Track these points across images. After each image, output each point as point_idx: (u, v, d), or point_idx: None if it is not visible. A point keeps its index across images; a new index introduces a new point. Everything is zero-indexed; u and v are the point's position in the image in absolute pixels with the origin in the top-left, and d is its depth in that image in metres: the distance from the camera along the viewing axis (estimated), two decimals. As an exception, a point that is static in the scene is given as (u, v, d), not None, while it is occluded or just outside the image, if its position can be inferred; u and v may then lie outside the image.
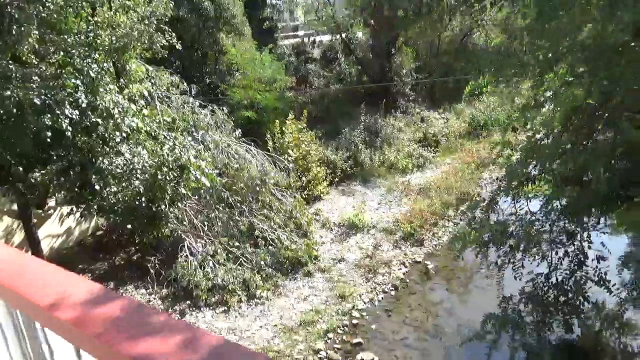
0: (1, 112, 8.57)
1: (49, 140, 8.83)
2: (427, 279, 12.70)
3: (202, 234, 12.77)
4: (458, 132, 23.18)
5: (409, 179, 18.22)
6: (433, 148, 21.16)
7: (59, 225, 13.27)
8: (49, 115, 8.84)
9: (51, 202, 12.84)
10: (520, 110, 9.75)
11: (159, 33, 11.61)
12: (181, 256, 11.84)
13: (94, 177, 10.05)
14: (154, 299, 11.50)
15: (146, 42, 10.77)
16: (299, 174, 16.11)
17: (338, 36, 25.28)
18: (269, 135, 16.92)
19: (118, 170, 10.19)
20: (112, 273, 12.48)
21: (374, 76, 24.81)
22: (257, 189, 13.83)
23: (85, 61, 9.48)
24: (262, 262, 12.40)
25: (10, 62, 8.90)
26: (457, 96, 27.72)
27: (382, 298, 11.89)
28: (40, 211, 12.53)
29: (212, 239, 12.70)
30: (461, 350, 10.19)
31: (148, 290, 11.71)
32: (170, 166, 10.32)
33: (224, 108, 15.68)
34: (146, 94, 11.09)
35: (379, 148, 20.17)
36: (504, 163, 12.01)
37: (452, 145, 21.84)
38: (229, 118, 15.64)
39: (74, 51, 9.51)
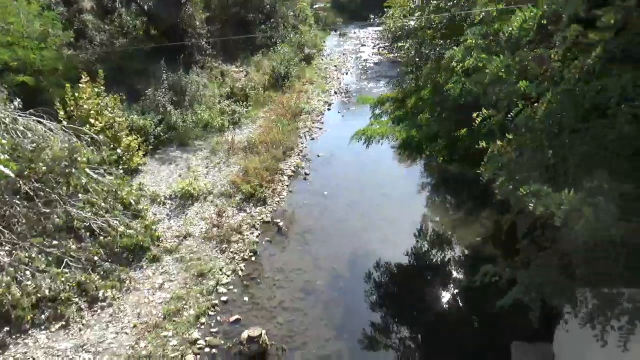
0: None
1: None
2: (282, 238, 12.39)
3: (1, 239, 9.82)
4: (262, 85, 22.84)
5: (229, 137, 17.26)
6: (244, 102, 20.41)
7: None
8: None
9: None
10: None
11: None
12: (-19, 273, 8.91)
13: None
14: (-50, 337, 8.47)
15: None
16: (109, 146, 13.63)
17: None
18: (58, 104, 13.73)
19: None
20: None
21: (164, 28, 22.34)
22: (67, 170, 11.18)
23: None
24: (96, 258, 10.27)
25: None
26: (252, 48, 27.32)
27: (245, 267, 11.16)
28: None
29: (19, 242, 9.89)
30: (339, 302, 10.37)
31: (-63, 329, 8.55)
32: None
33: (-12, 73, 12.02)
34: None
35: (189, 107, 18.49)
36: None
37: (260, 98, 21.43)
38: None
39: None
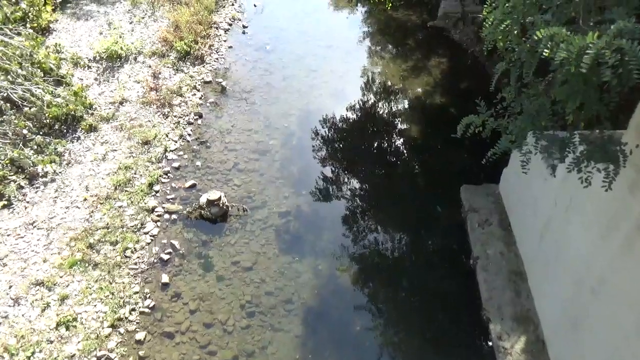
0: None
1: None
2: (227, 98, 11.76)
3: None
4: None
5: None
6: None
7: None
8: None
9: None
10: None
11: None
12: None
13: None
14: None
15: None
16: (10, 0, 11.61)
17: None
18: None
19: None
20: None
21: None
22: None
23: None
24: (25, 131, 9.33)
25: None
26: None
27: (192, 131, 10.67)
28: None
29: None
30: (294, 160, 10.34)
31: None
32: None
33: None
34: None
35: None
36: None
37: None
38: None
39: None
